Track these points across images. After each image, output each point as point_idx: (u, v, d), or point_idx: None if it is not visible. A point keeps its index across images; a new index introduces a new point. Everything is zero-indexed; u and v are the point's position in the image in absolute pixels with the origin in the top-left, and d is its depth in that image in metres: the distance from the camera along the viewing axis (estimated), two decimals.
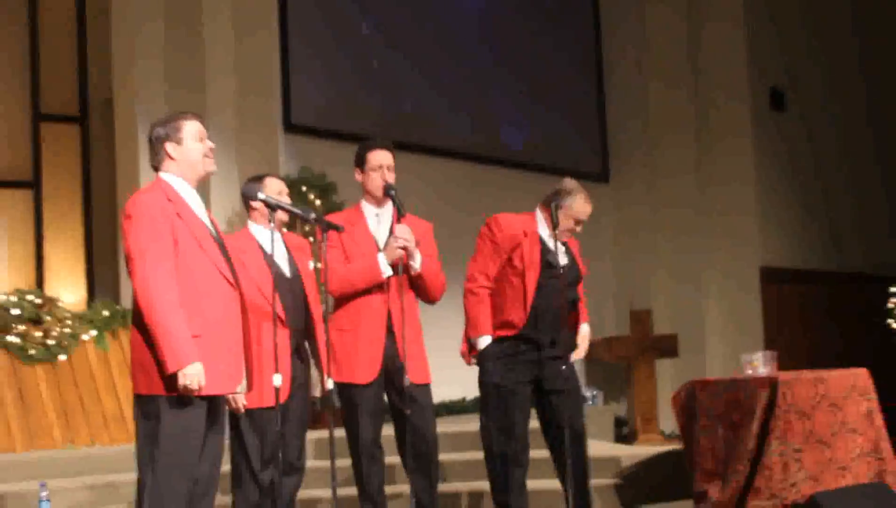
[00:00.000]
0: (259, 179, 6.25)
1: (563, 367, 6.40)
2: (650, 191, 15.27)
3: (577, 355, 6.64)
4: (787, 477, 6.96)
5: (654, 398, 13.43)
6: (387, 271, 6.23)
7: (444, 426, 9.85)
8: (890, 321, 13.34)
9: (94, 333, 9.52)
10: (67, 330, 9.40)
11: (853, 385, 7.42)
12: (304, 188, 10.63)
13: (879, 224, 17.02)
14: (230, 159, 10.99)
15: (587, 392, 13.46)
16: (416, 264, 6.28)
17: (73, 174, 12.16)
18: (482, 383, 6.63)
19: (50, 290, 10.99)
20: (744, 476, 7.06)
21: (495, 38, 14.08)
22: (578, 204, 6.57)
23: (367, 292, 6.28)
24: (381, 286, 6.27)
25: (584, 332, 6.77)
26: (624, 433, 13.56)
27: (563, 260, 6.50)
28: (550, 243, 6.52)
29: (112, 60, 11.67)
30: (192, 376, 4.94)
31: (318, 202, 10.51)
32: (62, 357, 9.33)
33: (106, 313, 9.65)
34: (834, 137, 16.50)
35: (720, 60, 15.22)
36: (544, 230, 6.58)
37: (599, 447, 9.28)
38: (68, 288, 11.56)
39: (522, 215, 6.66)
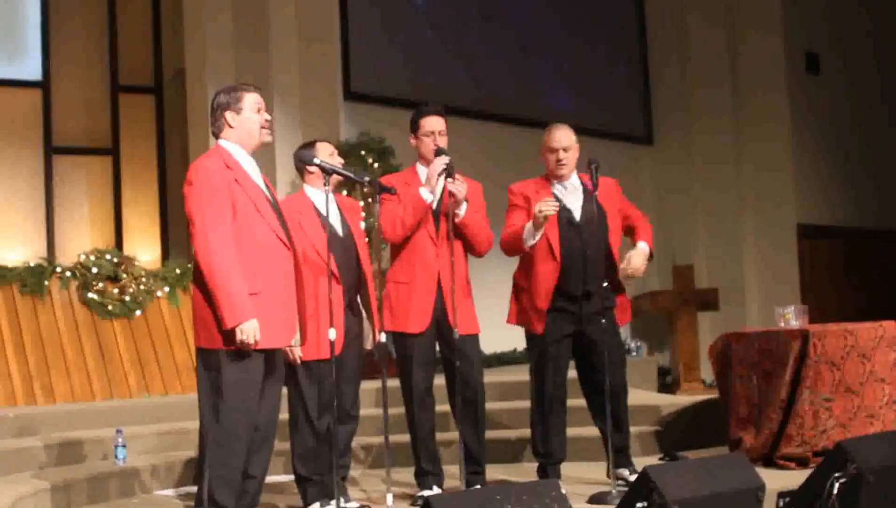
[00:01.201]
0: (311, 144, 6.23)
1: (603, 321, 6.31)
2: (691, 152, 15.16)
3: (625, 266, 6.48)
4: (818, 425, 6.90)
5: (696, 348, 13.35)
6: (428, 198, 6.20)
7: (494, 376, 9.88)
8: None
9: (167, 289, 9.57)
10: (143, 287, 9.46)
11: (882, 337, 7.32)
12: (363, 152, 10.62)
13: None
14: (295, 125, 11.02)
15: (631, 344, 13.42)
16: (462, 211, 6.24)
17: (148, 142, 12.26)
18: (527, 335, 6.61)
19: (128, 250, 11.09)
20: (776, 423, 7.00)
21: (544, 6, 13.96)
22: (548, 137, 6.49)
23: (419, 246, 6.24)
24: (432, 241, 6.23)
25: (639, 248, 6.64)
26: (667, 382, 13.52)
27: (581, 213, 6.38)
28: (568, 200, 6.43)
29: (184, 34, 11.70)
30: (249, 331, 4.99)
31: (375, 165, 10.48)
32: (138, 312, 9.39)
33: (178, 271, 9.69)
34: (867, 99, 16.27)
35: (757, 24, 15.08)
36: (558, 188, 6.49)
37: (641, 395, 9.23)
38: (144, 248, 11.67)
39: (537, 179, 6.58)
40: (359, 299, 6.25)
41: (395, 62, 12.21)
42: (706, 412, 8.02)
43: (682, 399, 8.93)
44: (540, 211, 6.20)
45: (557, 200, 6.40)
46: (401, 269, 6.32)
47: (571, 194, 6.47)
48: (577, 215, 6.39)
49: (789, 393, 6.98)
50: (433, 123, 6.42)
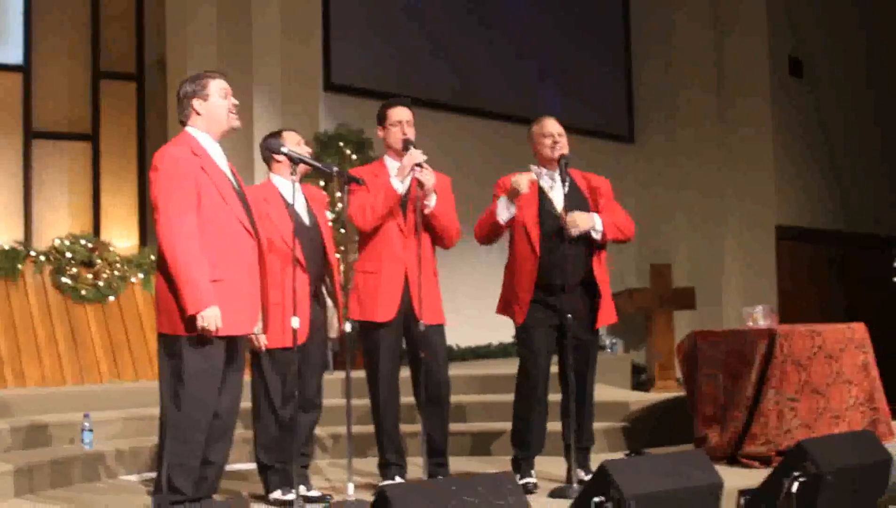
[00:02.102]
0: (278, 133, 6.23)
1: (574, 317, 6.29)
2: (673, 151, 15.17)
3: (568, 217, 6.29)
4: (782, 424, 6.92)
5: (672, 347, 13.35)
6: (399, 188, 6.21)
7: (469, 369, 9.90)
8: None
9: (141, 276, 9.56)
10: (117, 273, 9.44)
11: (850, 338, 7.36)
12: (341, 144, 10.60)
13: (884, 187, 16.87)
14: (274, 115, 11.02)
15: (607, 341, 13.43)
16: (431, 202, 6.25)
17: (129, 129, 12.24)
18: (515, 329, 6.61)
19: (105, 236, 11.07)
20: (741, 422, 7.02)
21: (529, 3, 13.96)
22: (539, 126, 6.50)
23: (388, 236, 6.24)
24: (401, 231, 6.24)
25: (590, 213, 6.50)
26: (641, 380, 13.52)
27: (563, 205, 6.34)
28: (552, 194, 6.43)
29: (166, 22, 11.68)
30: (210, 318, 5.01)
31: (354, 157, 10.47)
32: (111, 298, 9.38)
33: (153, 257, 9.66)
34: (848, 104, 16.32)
35: (742, 27, 15.10)
36: (546, 181, 6.48)
37: (611, 392, 9.26)
38: (122, 234, 11.66)
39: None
40: (324, 289, 6.25)
41: (376, 55, 12.20)
42: (675, 410, 8.03)
43: (651, 397, 8.94)
44: (516, 181, 6.21)
45: (542, 191, 6.39)
46: (369, 259, 6.32)
47: (556, 186, 6.44)
48: (560, 207, 6.33)
49: (755, 393, 7.01)
50: (400, 113, 6.43)
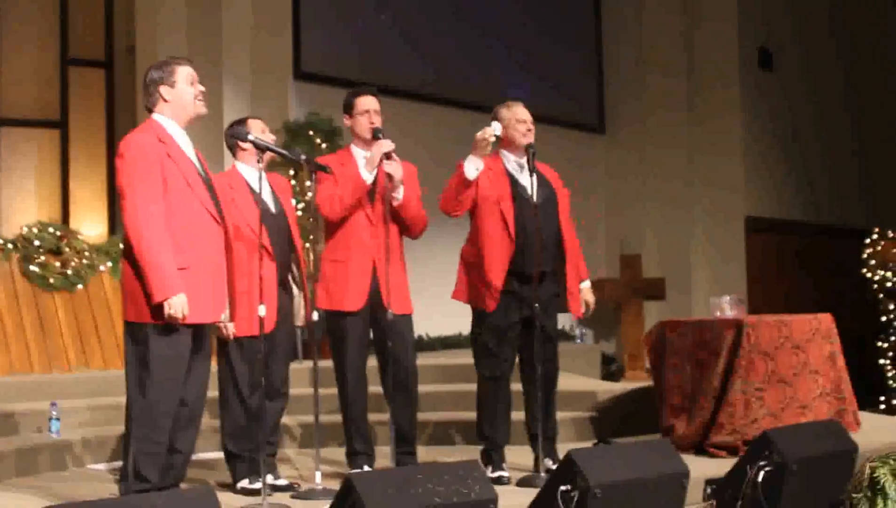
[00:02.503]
0: (242, 121, 6.21)
1: (547, 308, 6.30)
2: (642, 141, 15.20)
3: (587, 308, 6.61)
4: (749, 414, 6.95)
5: (641, 337, 13.38)
6: (367, 178, 6.20)
7: (437, 359, 9.91)
8: (864, 270, 13.30)
9: (109, 264, 9.50)
10: (85, 261, 9.38)
11: (817, 329, 7.40)
12: (311, 132, 10.57)
13: (853, 179, 16.97)
14: (244, 103, 10.98)
15: (577, 331, 13.47)
16: (399, 195, 6.26)
17: (98, 116, 12.15)
18: (475, 314, 6.52)
19: (74, 224, 11.00)
20: (708, 412, 7.06)
21: None
22: (514, 110, 6.47)
23: (356, 226, 6.24)
24: (369, 220, 6.24)
25: (586, 287, 6.68)
26: (612, 370, 13.57)
27: (535, 190, 6.30)
28: (521, 178, 6.42)
29: (136, 9, 11.61)
30: (177, 305, 5.01)
31: (324, 146, 10.44)
32: (79, 286, 9.31)
33: (122, 245, 9.61)
34: (816, 96, 16.40)
35: (713, 16, 15.12)
36: (513, 165, 6.46)
37: (579, 381, 9.29)
38: (91, 223, 11.59)
39: (489, 157, 6.51)
40: (290, 277, 6.24)
41: (346, 43, 12.16)
42: (643, 399, 8.05)
43: (619, 387, 8.97)
44: (483, 131, 6.19)
45: (511, 177, 6.38)
46: (336, 248, 6.31)
47: (524, 172, 6.41)
48: (532, 193, 6.26)
49: (722, 383, 7.04)
50: (368, 102, 6.43)
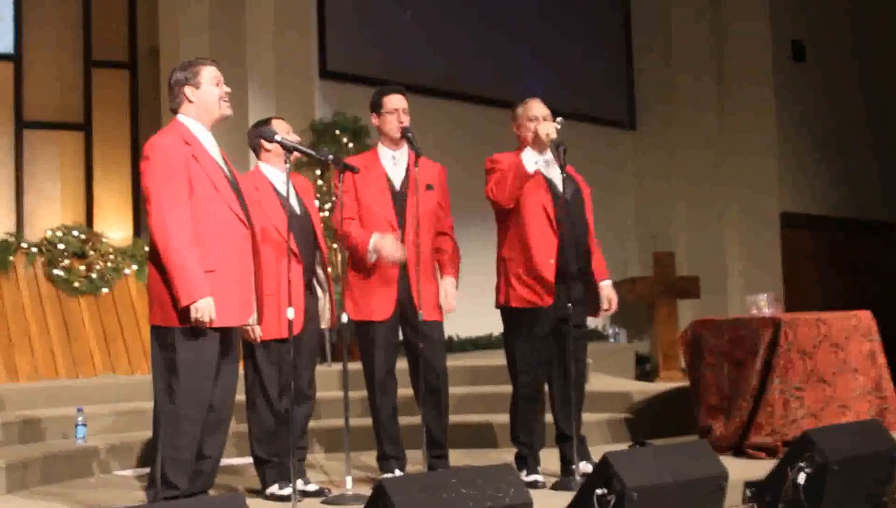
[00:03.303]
0: (266, 121, 6.19)
1: (570, 305, 6.25)
2: (673, 138, 15.10)
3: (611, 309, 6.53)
4: (788, 414, 6.90)
5: (675, 337, 13.31)
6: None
7: (467, 360, 9.89)
8: None
9: (135, 267, 9.53)
10: (110, 264, 9.42)
11: (855, 327, 7.35)
12: (337, 132, 10.58)
13: (892, 173, 16.81)
14: (269, 103, 10.97)
15: (610, 330, 13.42)
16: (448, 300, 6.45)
17: (121, 118, 12.17)
18: (514, 314, 6.43)
19: (99, 227, 11.04)
20: (746, 412, 7.01)
21: None
22: (525, 108, 6.44)
23: (382, 231, 6.24)
24: (391, 226, 6.25)
25: (608, 284, 6.60)
26: (646, 370, 13.50)
27: (564, 187, 6.29)
28: (549, 173, 6.38)
29: (159, 10, 11.64)
30: (204, 309, 5.00)
31: (350, 145, 10.45)
32: (104, 290, 9.35)
33: (147, 248, 9.61)
34: (852, 89, 16.26)
35: (743, 10, 15.00)
36: (541, 163, 6.39)
37: (613, 382, 9.27)
38: (116, 226, 11.61)
39: (515, 152, 6.47)
40: (315, 280, 6.23)
41: (371, 42, 12.15)
42: (679, 400, 8.02)
43: (654, 387, 8.96)
44: (545, 132, 6.17)
45: (542, 175, 6.34)
46: (362, 258, 6.29)
47: (552, 169, 6.38)
48: (562, 189, 6.27)
49: (760, 382, 6.99)
50: (396, 101, 6.42)
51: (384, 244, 6.18)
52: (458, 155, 11.01)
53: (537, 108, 6.43)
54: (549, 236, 6.26)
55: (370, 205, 6.30)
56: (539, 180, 6.31)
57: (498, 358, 8.67)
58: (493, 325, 11.35)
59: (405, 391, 6.48)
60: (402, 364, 6.40)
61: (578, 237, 6.32)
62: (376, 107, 6.48)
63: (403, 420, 6.58)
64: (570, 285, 6.22)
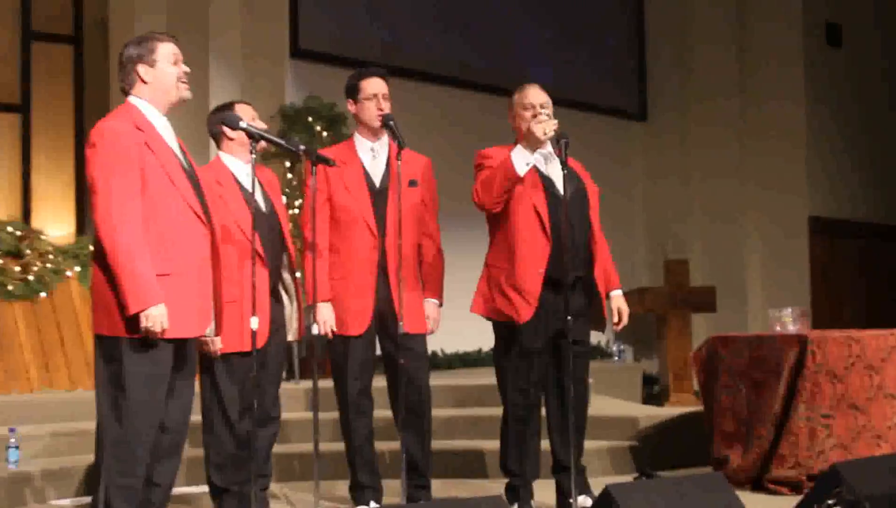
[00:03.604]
0: (229, 106, 6.21)
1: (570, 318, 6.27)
2: (689, 130, 15.14)
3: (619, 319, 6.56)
4: (814, 445, 6.93)
5: (688, 355, 13.34)
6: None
7: (453, 379, 9.91)
8: None
9: (78, 269, 9.51)
10: (50, 265, 9.40)
11: (893, 347, 7.35)
12: (310, 119, 10.59)
13: None
14: (234, 85, 10.98)
15: (614, 347, 13.44)
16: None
17: (64, 99, 12.14)
18: (501, 327, 6.47)
19: (36, 222, 11.01)
20: (767, 441, 7.04)
21: None
22: (520, 95, 6.46)
23: (355, 236, 6.28)
24: (370, 230, 6.27)
25: (617, 295, 6.63)
26: (654, 392, 13.53)
27: (561, 184, 6.27)
28: (547, 170, 6.39)
29: None
30: (155, 317, 4.98)
31: (325, 134, 10.46)
32: (43, 294, 9.33)
33: (92, 247, 9.62)
34: (894, 78, 16.29)
35: None
36: (536, 156, 6.38)
37: (619, 406, 9.28)
38: (57, 221, 11.59)
39: (509, 146, 6.47)
40: (281, 285, 6.24)
41: (351, 16, 12.15)
42: (690, 426, 8.06)
43: (663, 411, 8.97)
44: (543, 130, 6.14)
45: (539, 171, 6.34)
46: (335, 263, 6.32)
47: (551, 165, 6.40)
48: (561, 187, 6.23)
49: (783, 408, 7.01)
50: (375, 86, 6.43)
51: (323, 320, 6.23)
52: (448, 148, 11.05)
53: (534, 94, 6.44)
54: (540, 242, 6.27)
55: (346, 204, 6.32)
56: (534, 179, 6.31)
57: (488, 376, 8.69)
58: (483, 340, 11.37)
59: (382, 412, 6.49)
60: (378, 382, 6.41)
61: (578, 243, 6.33)
62: (353, 92, 6.49)
63: (380, 445, 6.60)
64: (569, 295, 6.22)
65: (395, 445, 6.39)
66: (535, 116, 6.34)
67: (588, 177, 6.60)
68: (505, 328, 6.41)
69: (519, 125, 6.41)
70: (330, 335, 6.23)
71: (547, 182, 6.34)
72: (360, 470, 6.39)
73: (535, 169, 6.33)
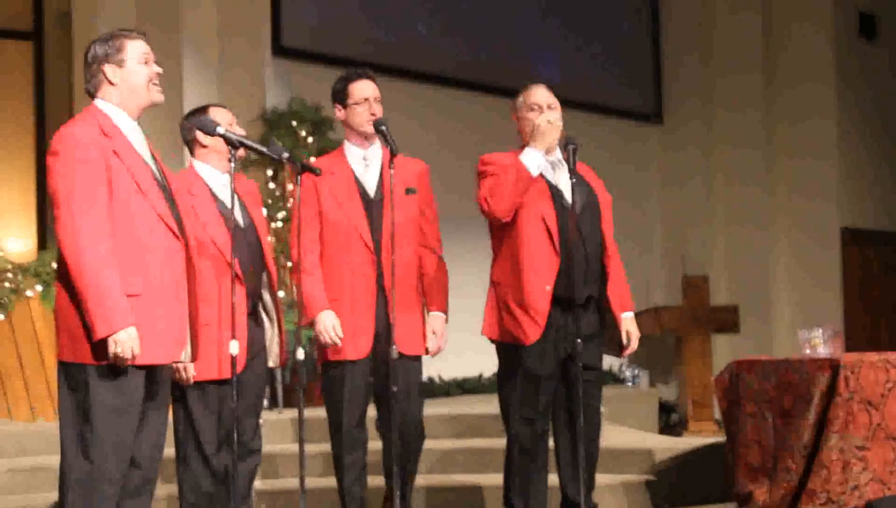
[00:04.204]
0: (203, 109, 6.21)
1: (579, 341, 6.29)
2: (710, 133, 15.15)
3: (628, 342, 6.56)
4: (848, 479, 6.91)
5: (709, 380, 13.35)
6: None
7: (451, 406, 9.91)
8: None
9: (39, 288, 9.52)
10: (8, 284, 9.41)
11: None
12: (294, 123, 10.61)
13: None
14: (210, 87, 11.01)
15: (627, 372, 13.45)
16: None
17: (23, 101, 12.16)
18: (505, 350, 6.51)
19: None
20: (796, 475, 7.01)
21: None
22: (526, 95, 6.52)
23: (351, 252, 6.28)
24: (366, 246, 6.27)
25: (628, 317, 6.63)
26: (671, 421, 13.55)
27: (573, 195, 6.35)
28: (554, 179, 6.42)
29: None
30: (125, 342, 4.96)
31: (310, 140, 10.48)
32: (0, 316, 9.34)
33: (55, 265, 9.63)
34: None
35: None
36: (543, 163, 6.42)
37: (633, 436, 9.28)
38: (15, 236, 11.60)
39: (514, 151, 6.51)
40: (261, 306, 6.25)
41: (339, 10, 12.18)
42: (711, 458, 8.06)
43: (682, 442, 8.97)
44: (547, 119, 6.24)
45: (546, 180, 6.37)
46: (326, 283, 6.33)
47: (559, 172, 6.44)
48: (570, 197, 6.33)
49: (813, 438, 7.00)
50: (365, 89, 6.45)
51: (326, 328, 6.23)
52: (448, 153, 11.07)
53: (540, 94, 6.48)
54: (549, 257, 6.30)
55: (338, 218, 6.33)
56: (540, 187, 6.34)
57: (489, 404, 8.72)
58: (484, 364, 11.42)
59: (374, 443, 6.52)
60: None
61: (590, 257, 6.35)
62: (340, 97, 6.50)
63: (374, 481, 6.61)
64: (579, 315, 6.25)
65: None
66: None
67: (601, 185, 6.62)
68: (510, 351, 6.43)
69: (524, 127, 6.44)
70: (339, 342, 6.21)
71: (555, 191, 6.36)
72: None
73: (543, 177, 6.35)
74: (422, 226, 6.50)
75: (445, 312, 6.54)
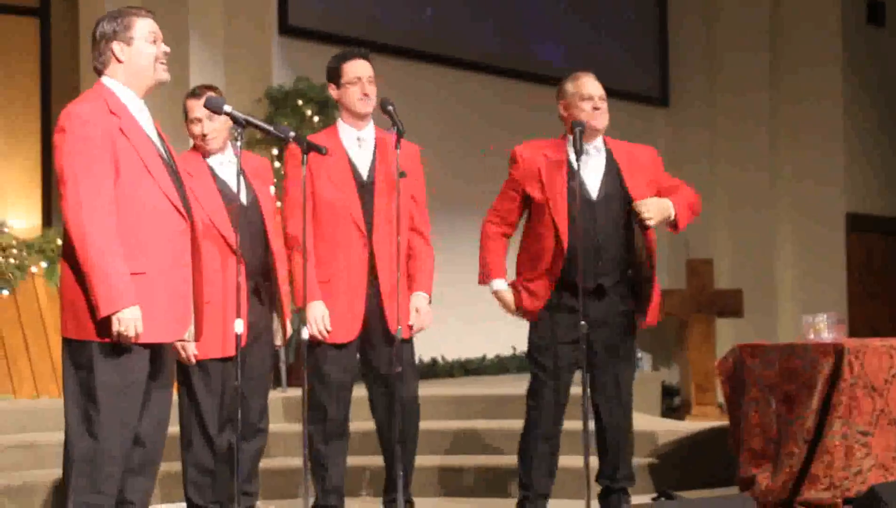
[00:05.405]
0: (209, 89, 6.21)
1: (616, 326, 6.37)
2: (715, 117, 15.13)
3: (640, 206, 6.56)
4: (851, 464, 6.91)
5: (712, 364, 13.35)
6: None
7: (455, 387, 9.90)
8: None
9: (44, 265, 9.51)
10: (13, 260, 9.39)
11: None
12: (300, 102, 10.58)
13: None
14: (216, 66, 11.00)
15: None
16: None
17: (30, 78, 12.15)
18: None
19: None
20: (799, 460, 7.01)
21: None
22: (576, 84, 6.57)
23: (343, 236, 6.31)
24: (359, 229, 6.30)
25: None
26: (674, 404, 13.56)
27: (597, 184, 6.44)
28: (584, 171, 6.46)
29: None
30: (128, 320, 4.97)
31: (316, 119, 10.46)
32: (5, 292, 9.33)
33: (60, 241, 9.61)
34: None
35: None
36: (574, 156, 6.46)
37: (637, 419, 9.20)
38: (20, 212, 11.61)
39: (551, 140, 6.59)
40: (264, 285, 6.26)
41: None
42: (715, 443, 8.06)
43: (684, 426, 9.00)
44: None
45: (570, 167, 6.41)
46: (320, 264, 6.33)
47: (592, 163, 6.53)
48: (594, 189, 6.48)
49: (816, 424, 7.00)
50: (358, 68, 6.50)
51: (315, 319, 6.24)
52: (448, 134, 11.05)
53: (592, 85, 6.57)
54: (553, 249, 6.44)
55: (331, 199, 6.34)
56: (560, 177, 6.43)
57: (492, 386, 8.72)
58: (487, 345, 11.42)
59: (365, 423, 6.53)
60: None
61: (602, 246, 6.43)
62: (334, 76, 6.57)
63: (361, 460, 6.60)
64: (594, 301, 6.35)
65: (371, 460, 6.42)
66: (595, 108, 6.50)
67: (649, 172, 6.75)
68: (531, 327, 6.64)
69: (576, 115, 6.49)
70: (326, 335, 6.22)
71: (575, 182, 6.36)
72: (330, 494, 6.39)
73: (568, 168, 6.41)
74: (411, 209, 6.52)
75: (430, 292, 6.56)
